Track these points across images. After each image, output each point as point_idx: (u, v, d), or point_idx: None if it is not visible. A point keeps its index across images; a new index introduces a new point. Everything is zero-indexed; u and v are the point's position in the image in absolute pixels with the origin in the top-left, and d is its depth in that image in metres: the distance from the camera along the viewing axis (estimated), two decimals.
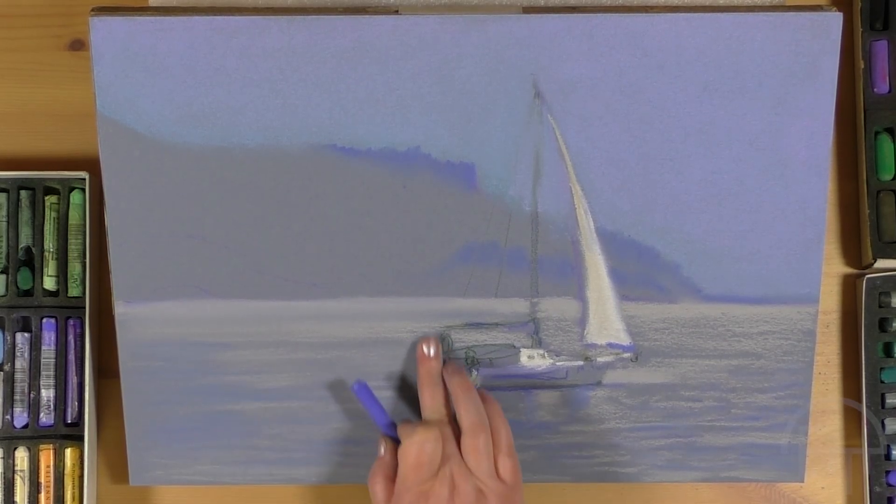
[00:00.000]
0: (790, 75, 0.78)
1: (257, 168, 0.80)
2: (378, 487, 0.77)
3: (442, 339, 0.82)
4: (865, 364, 0.86)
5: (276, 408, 0.83)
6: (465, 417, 0.76)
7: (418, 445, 0.75)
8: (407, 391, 0.83)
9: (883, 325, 0.86)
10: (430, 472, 0.75)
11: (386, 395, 0.83)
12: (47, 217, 0.86)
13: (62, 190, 0.86)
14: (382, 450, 0.79)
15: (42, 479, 0.85)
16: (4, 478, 0.85)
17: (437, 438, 0.75)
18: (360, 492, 0.87)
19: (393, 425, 0.79)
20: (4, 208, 0.86)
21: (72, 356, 0.86)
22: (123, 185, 0.80)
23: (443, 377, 0.80)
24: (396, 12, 0.78)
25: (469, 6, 0.81)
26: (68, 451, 0.85)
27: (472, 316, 0.82)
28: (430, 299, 0.82)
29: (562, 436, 0.84)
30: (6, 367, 0.85)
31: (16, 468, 0.85)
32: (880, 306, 0.86)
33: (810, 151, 0.80)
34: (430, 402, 0.79)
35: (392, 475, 0.77)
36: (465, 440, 0.76)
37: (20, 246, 0.86)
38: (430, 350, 0.81)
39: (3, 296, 0.86)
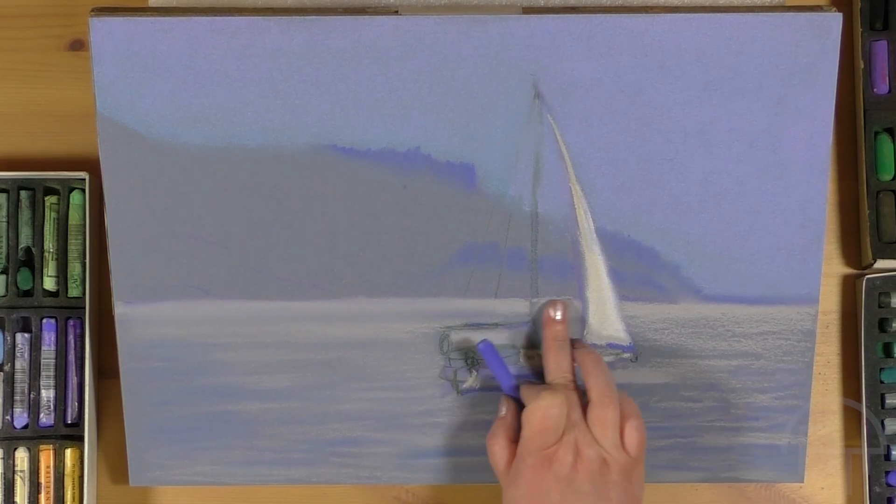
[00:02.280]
0: (790, 75, 0.78)
1: (257, 168, 0.80)
2: (497, 448, 0.76)
3: (442, 340, 0.82)
4: (865, 364, 0.86)
5: (276, 408, 0.83)
6: (595, 387, 0.76)
7: (544, 410, 0.74)
8: (407, 391, 0.83)
9: (883, 325, 0.86)
10: (555, 437, 0.74)
11: (386, 396, 0.83)
12: (47, 217, 0.86)
13: (62, 190, 0.86)
14: (504, 410, 0.78)
15: (42, 480, 0.85)
16: (4, 478, 0.85)
17: (563, 404, 0.74)
18: (360, 492, 0.88)
19: (516, 387, 0.79)
20: (4, 208, 0.86)
21: (72, 356, 0.86)
22: (123, 186, 0.80)
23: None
24: (396, 13, 0.78)
25: (469, 6, 0.81)
26: (68, 452, 0.85)
27: (471, 316, 0.82)
28: (430, 300, 0.82)
29: None
30: (6, 368, 0.85)
31: (16, 468, 0.85)
32: (880, 306, 0.86)
33: (810, 152, 0.80)
34: (555, 365, 0.78)
35: (513, 436, 0.77)
36: (593, 410, 0.75)
37: (20, 246, 0.86)
38: (556, 313, 0.80)
39: (3, 296, 0.86)
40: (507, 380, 0.80)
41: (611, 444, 0.75)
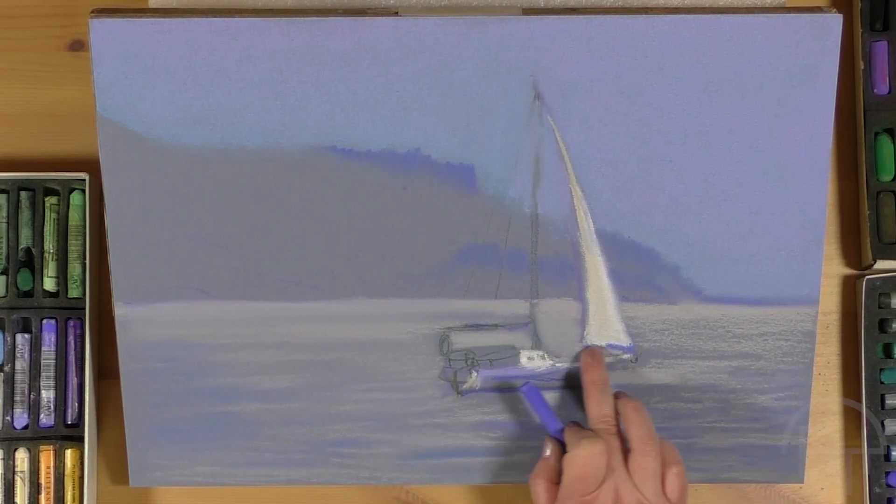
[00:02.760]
0: (790, 77, 0.78)
1: (257, 170, 0.80)
2: (540, 489, 0.77)
3: (442, 341, 0.82)
4: (865, 365, 0.86)
5: (276, 409, 0.83)
6: (636, 434, 0.77)
7: (585, 457, 0.75)
8: (408, 394, 0.83)
9: (882, 325, 0.86)
10: (595, 484, 0.75)
11: (386, 397, 0.83)
12: (47, 218, 0.86)
13: (62, 191, 0.86)
14: (548, 451, 0.79)
15: (42, 480, 0.85)
16: (5, 479, 0.85)
17: (604, 451, 0.75)
18: (360, 492, 0.88)
19: (561, 429, 0.79)
20: (4, 209, 0.86)
21: (72, 357, 0.86)
22: (123, 187, 0.80)
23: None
24: (396, 14, 0.78)
25: (469, 8, 0.81)
26: (68, 452, 0.85)
27: (471, 317, 0.82)
28: (430, 301, 0.82)
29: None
30: (6, 369, 0.85)
31: (16, 469, 0.85)
32: (880, 307, 0.86)
33: (810, 152, 0.80)
34: (598, 410, 0.79)
35: (555, 478, 0.78)
36: (634, 458, 0.76)
37: (20, 247, 0.86)
38: (594, 359, 0.81)
39: (3, 297, 0.86)
40: (553, 422, 0.80)
41: (651, 491, 0.75)
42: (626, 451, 0.77)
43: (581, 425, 0.79)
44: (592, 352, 0.82)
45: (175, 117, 0.79)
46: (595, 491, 0.75)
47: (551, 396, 0.83)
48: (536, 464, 0.79)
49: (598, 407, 0.79)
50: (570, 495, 0.75)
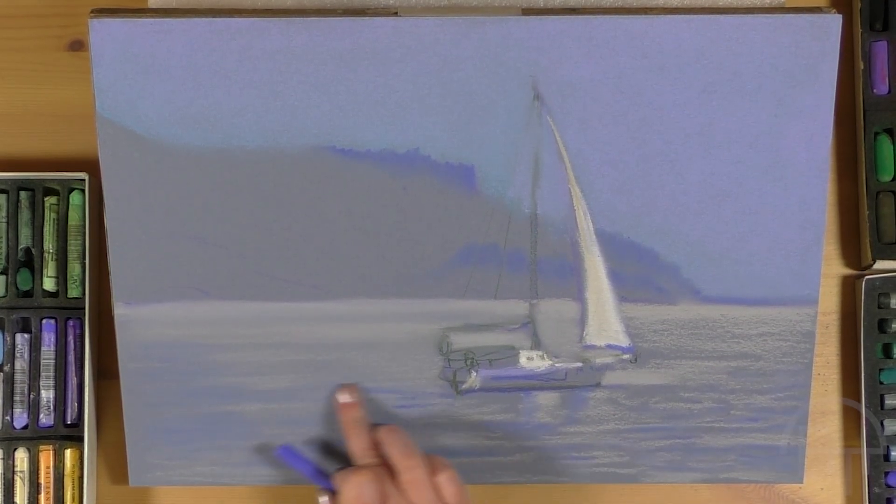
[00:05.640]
0: (790, 77, 0.78)
1: (257, 170, 0.80)
2: None
3: (441, 341, 0.82)
4: (864, 365, 0.86)
5: (276, 409, 0.83)
6: (395, 454, 0.77)
7: (356, 490, 0.76)
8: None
9: (882, 326, 0.86)
10: None
11: (386, 397, 0.83)
12: (47, 218, 0.86)
13: (62, 191, 0.86)
14: (325, 499, 0.79)
15: (42, 480, 0.85)
16: (4, 478, 0.85)
17: (372, 480, 0.76)
18: None
19: (327, 477, 0.80)
20: (4, 209, 0.86)
21: (71, 357, 0.86)
22: (123, 187, 0.80)
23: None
24: (396, 14, 0.78)
25: (468, 8, 0.81)
26: (68, 452, 0.85)
27: (471, 317, 0.82)
28: (430, 301, 0.82)
29: (561, 437, 0.84)
30: (6, 368, 0.85)
31: (16, 469, 0.85)
32: (879, 307, 0.86)
33: (810, 153, 0.80)
34: (359, 445, 0.79)
35: None
36: (401, 475, 0.76)
37: (20, 247, 0.86)
38: (346, 397, 0.81)
39: (2, 297, 0.86)
40: (316, 474, 0.81)
41: (429, 501, 0.76)
42: (395, 475, 0.77)
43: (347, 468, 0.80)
44: (351, 389, 0.82)
45: (175, 117, 0.79)
46: None
47: (551, 396, 0.84)
48: None
49: (359, 442, 0.79)
50: None
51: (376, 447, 0.79)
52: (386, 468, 0.78)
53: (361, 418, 0.81)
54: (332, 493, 0.79)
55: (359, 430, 0.80)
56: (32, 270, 0.86)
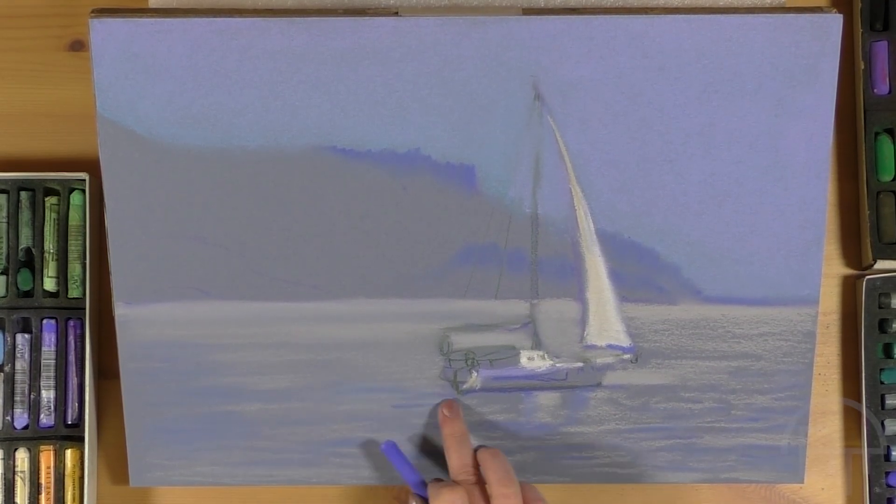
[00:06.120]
0: (790, 77, 0.78)
1: (257, 169, 0.80)
2: None
3: (442, 341, 0.82)
4: (865, 365, 0.86)
5: (276, 409, 0.83)
6: (493, 477, 0.76)
7: None
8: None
9: (883, 325, 0.86)
10: None
11: (386, 397, 0.83)
12: (47, 218, 0.86)
13: (62, 191, 0.86)
14: None
15: (42, 480, 0.85)
16: (5, 479, 0.85)
17: (464, 498, 0.75)
18: (360, 492, 0.88)
19: (423, 484, 0.79)
20: (4, 209, 0.86)
21: (72, 357, 0.86)
22: (123, 187, 0.80)
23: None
24: (396, 14, 0.78)
25: (469, 8, 0.81)
26: (69, 452, 0.85)
27: (471, 317, 0.82)
28: (430, 301, 0.82)
29: (561, 437, 0.84)
30: (6, 369, 0.85)
31: (16, 469, 0.85)
32: (880, 307, 0.86)
33: (810, 153, 0.80)
34: (458, 462, 0.79)
35: None
36: (495, 500, 0.76)
37: (20, 247, 0.86)
38: (450, 412, 0.81)
39: (3, 297, 0.86)
40: (413, 477, 0.80)
41: None
42: (487, 500, 0.76)
43: (444, 480, 0.79)
44: (450, 404, 0.82)
45: (175, 117, 0.79)
46: None
47: (552, 396, 0.84)
48: None
49: (458, 458, 0.79)
50: None
51: (475, 466, 0.79)
52: (480, 489, 0.77)
53: (463, 434, 0.81)
54: (425, 500, 0.79)
55: (459, 446, 0.80)
56: (33, 270, 0.86)
